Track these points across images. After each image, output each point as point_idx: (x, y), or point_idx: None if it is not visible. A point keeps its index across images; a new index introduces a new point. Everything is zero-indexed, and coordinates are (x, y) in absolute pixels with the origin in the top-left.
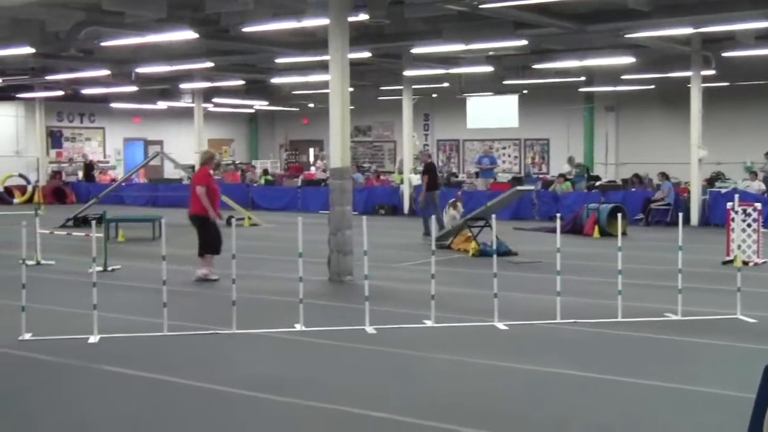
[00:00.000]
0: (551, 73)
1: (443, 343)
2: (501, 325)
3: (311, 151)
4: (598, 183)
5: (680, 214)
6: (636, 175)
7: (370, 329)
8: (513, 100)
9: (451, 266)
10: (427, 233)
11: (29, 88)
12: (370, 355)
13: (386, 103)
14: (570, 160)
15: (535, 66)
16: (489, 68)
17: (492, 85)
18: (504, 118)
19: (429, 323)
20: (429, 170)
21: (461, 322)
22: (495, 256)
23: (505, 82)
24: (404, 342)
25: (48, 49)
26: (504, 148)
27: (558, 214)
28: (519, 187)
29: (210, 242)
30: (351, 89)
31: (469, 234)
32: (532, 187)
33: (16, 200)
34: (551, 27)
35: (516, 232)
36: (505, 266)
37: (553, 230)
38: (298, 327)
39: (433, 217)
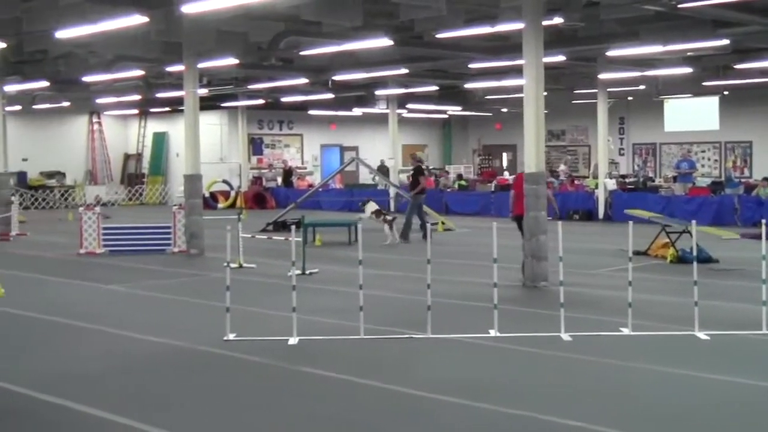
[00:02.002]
0: (754, 72)
1: (641, 352)
2: (702, 335)
3: (504, 156)
4: None
5: None
6: None
7: (565, 336)
8: (713, 101)
9: (649, 273)
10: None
11: (232, 98)
12: (566, 362)
13: (580, 107)
14: None
15: (737, 66)
16: (688, 69)
17: (691, 86)
18: (703, 121)
19: (626, 331)
20: (418, 173)
21: (660, 331)
22: (695, 262)
23: (705, 84)
24: (601, 350)
25: (250, 60)
26: (703, 151)
27: (763, 220)
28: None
29: None
30: (545, 93)
31: (667, 240)
32: (736, 236)
33: (220, 205)
34: (754, 25)
35: (717, 238)
36: (705, 273)
37: (758, 236)
38: (493, 333)
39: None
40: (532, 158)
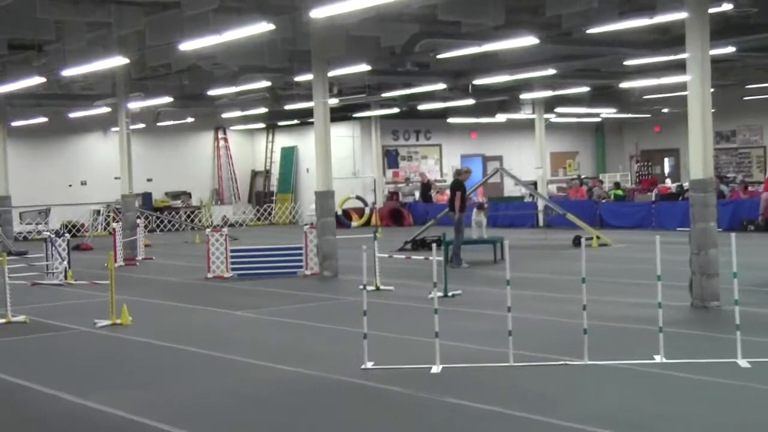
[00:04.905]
0: None
1: None
2: None
3: (666, 161)
4: None
5: None
6: None
7: (742, 362)
8: None
9: None
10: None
11: (365, 107)
12: (745, 392)
13: (753, 104)
14: None
15: None
16: None
17: None
18: None
19: None
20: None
21: None
22: None
23: None
24: None
25: (383, 66)
26: None
27: None
28: None
29: None
30: (712, 90)
31: None
32: None
33: (354, 223)
34: None
35: None
36: None
37: None
38: (658, 358)
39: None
40: (699, 163)
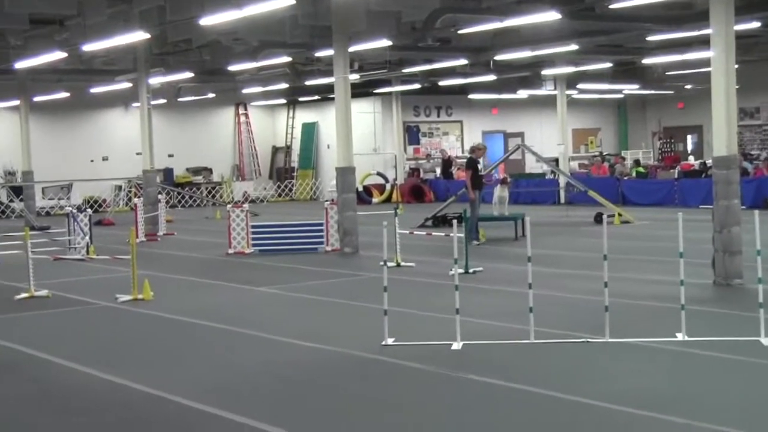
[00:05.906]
0: None
1: None
2: None
3: (689, 138)
4: None
5: None
6: None
7: (765, 341)
8: None
9: None
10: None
11: (386, 83)
12: (767, 371)
13: None
14: None
15: None
16: None
17: None
18: None
19: None
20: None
21: None
22: None
23: None
24: None
25: (404, 41)
26: None
27: None
28: None
29: None
30: (736, 66)
31: None
32: None
33: (374, 199)
34: None
35: None
36: None
37: None
38: (680, 336)
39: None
40: (723, 140)
